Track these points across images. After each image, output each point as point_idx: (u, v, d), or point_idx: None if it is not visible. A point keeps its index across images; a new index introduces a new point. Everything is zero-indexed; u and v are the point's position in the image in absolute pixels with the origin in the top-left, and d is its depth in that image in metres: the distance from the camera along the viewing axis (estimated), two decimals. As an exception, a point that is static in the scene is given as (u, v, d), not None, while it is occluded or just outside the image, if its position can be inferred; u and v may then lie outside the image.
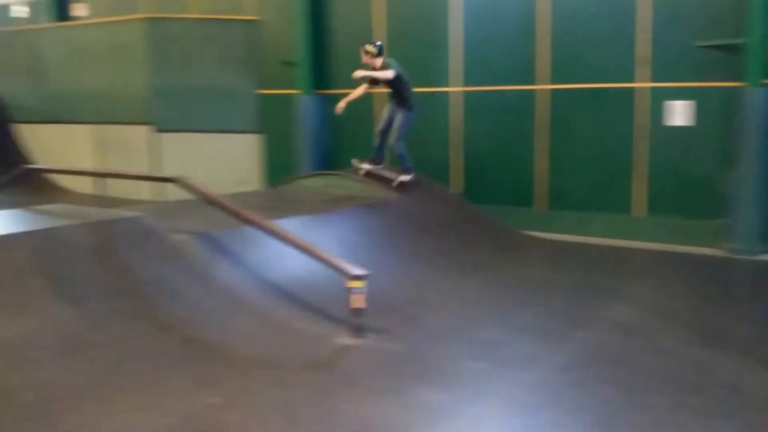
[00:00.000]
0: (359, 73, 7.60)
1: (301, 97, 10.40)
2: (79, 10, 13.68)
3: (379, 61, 7.78)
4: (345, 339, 4.74)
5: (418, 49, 9.66)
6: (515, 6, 8.95)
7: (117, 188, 8.22)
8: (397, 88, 7.79)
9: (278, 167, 10.75)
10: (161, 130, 11.02)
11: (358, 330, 4.78)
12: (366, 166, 8.24)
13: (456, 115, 9.51)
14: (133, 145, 11.25)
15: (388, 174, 8.16)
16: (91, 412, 3.46)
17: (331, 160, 10.42)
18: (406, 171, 8.09)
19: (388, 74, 7.59)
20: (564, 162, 8.82)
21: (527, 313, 5.48)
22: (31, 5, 14.47)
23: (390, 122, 8.00)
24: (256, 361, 4.32)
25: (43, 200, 9.37)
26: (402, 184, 8.05)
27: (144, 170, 10.71)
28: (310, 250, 5.02)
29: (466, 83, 9.39)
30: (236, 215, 5.38)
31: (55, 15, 13.82)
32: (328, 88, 10.39)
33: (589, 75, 8.54)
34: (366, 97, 9.54)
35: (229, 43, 10.96)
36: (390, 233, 7.12)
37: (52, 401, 3.48)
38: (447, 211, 8.29)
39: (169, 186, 6.25)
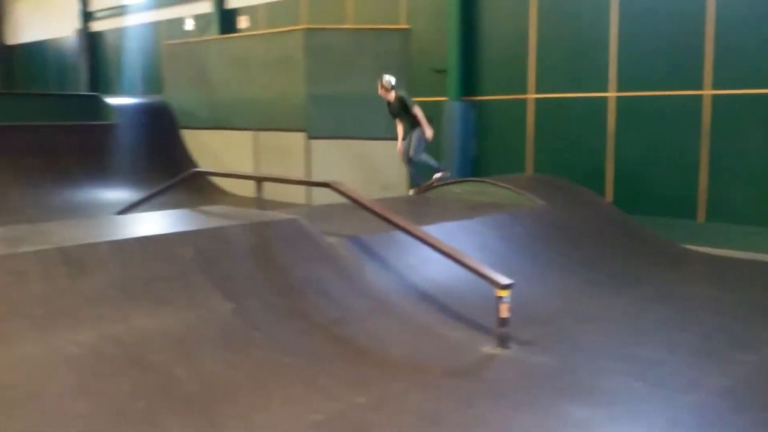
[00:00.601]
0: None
1: (448, 103, 10.43)
2: (243, 23, 14.52)
3: (392, 95, 9.04)
4: (490, 348, 4.68)
5: (570, 53, 9.41)
6: (676, 5, 8.49)
7: (273, 191, 8.63)
8: (413, 114, 8.91)
9: (424, 174, 10.83)
10: (312, 137, 11.44)
11: (504, 340, 4.70)
12: (412, 192, 9.04)
13: (610, 121, 9.16)
14: (289, 151, 11.76)
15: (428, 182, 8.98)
16: (248, 405, 3.63)
17: (477, 166, 10.38)
18: (437, 171, 8.98)
19: (418, 111, 8.87)
20: (728, 172, 8.26)
21: (686, 331, 5.16)
22: (199, 18, 15.52)
23: (414, 147, 9.06)
24: (401, 364, 4.36)
25: (207, 201, 10.04)
26: (440, 179, 8.94)
27: (299, 175, 11.17)
28: (457, 257, 5.01)
29: (620, 88, 9.04)
30: (386, 220, 5.46)
31: (220, 27, 14.75)
32: (477, 95, 10.36)
33: (760, 79, 7.94)
34: (518, 105, 9.47)
35: (382, 52, 11.20)
36: (537, 242, 6.97)
37: (212, 392, 3.68)
38: (598, 220, 8.00)
39: (321, 190, 6.47)
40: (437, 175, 8.88)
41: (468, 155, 10.41)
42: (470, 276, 5.04)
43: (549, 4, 9.63)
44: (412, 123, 8.95)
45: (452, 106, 10.34)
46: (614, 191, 9.19)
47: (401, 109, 9.03)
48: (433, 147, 10.69)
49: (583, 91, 9.24)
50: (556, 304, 5.80)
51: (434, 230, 5.80)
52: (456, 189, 8.44)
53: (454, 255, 5.04)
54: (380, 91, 9.12)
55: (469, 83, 10.38)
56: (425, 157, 9.02)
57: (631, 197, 8.95)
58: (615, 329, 5.28)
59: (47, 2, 21.09)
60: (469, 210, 7.32)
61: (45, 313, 3.77)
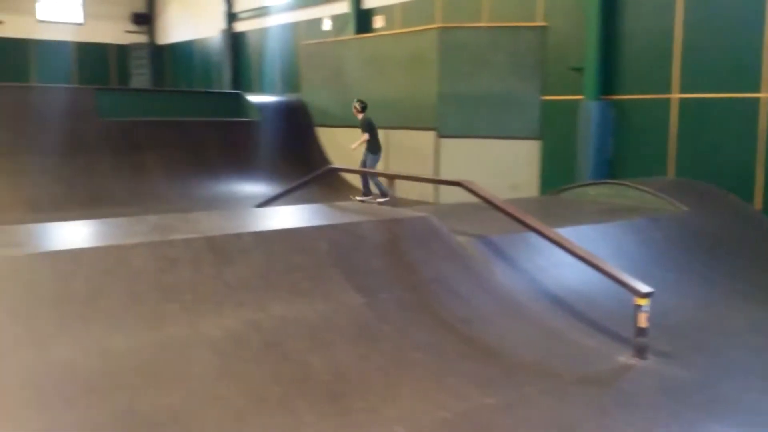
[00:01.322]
0: (355, 145, 10.77)
1: (585, 102, 10.13)
2: (378, 22, 14.74)
3: (361, 115, 10.77)
4: (626, 358, 4.51)
5: (719, 50, 8.86)
6: None
7: (402, 189, 8.72)
8: (372, 138, 10.65)
9: (556, 174, 10.58)
10: (442, 136, 11.45)
11: (641, 350, 4.51)
12: (359, 199, 9.71)
13: (761, 123, 8.56)
14: (418, 150, 11.84)
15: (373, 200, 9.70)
16: (378, 397, 3.69)
17: (614, 168, 10.00)
18: (383, 195, 9.93)
19: (364, 136, 10.61)
20: None
21: None
22: (337, 18, 15.91)
23: (364, 164, 10.66)
24: (531, 367, 4.29)
25: (339, 197, 10.30)
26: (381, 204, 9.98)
27: (427, 173, 11.22)
28: (593, 261, 4.85)
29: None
30: (518, 221, 5.38)
31: (356, 27, 15.02)
32: (615, 94, 9.98)
33: None
34: (661, 105, 9.10)
35: (517, 49, 11.03)
36: (677, 249, 6.64)
37: (344, 382, 3.77)
38: (745, 228, 7.52)
39: (449, 188, 6.47)
40: (381, 200, 9.54)
41: (604, 156, 10.03)
42: (605, 282, 4.88)
43: (695, 3, 9.12)
44: (369, 145, 10.60)
45: (589, 106, 10.01)
46: (764, 198, 8.57)
47: (362, 128, 10.77)
48: (565, 147, 10.42)
49: (733, 92, 8.67)
50: (696, 315, 5.51)
51: (568, 233, 5.64)
52: (591, 191, 8.18)
53: (589, 259, 4.89)
54: (354, 110, 10.90)
55: (607, 82, 10.00)
56: (377, 180, 10.53)
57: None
58: (761, 344, 4.95)
59: (195, 4, 22.34)
60: (606, 213, 7.08)
61: (193, 298, 4.00)
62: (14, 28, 22.11)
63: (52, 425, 3.09)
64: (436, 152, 11.54)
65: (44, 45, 22.72)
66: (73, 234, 4.73)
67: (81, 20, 23.73)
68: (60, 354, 3.42)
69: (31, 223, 5.11)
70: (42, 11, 23.06)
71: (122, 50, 24.36)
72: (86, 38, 23.58)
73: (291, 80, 17.37)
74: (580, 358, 4.50)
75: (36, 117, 12.02)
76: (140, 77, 24.20)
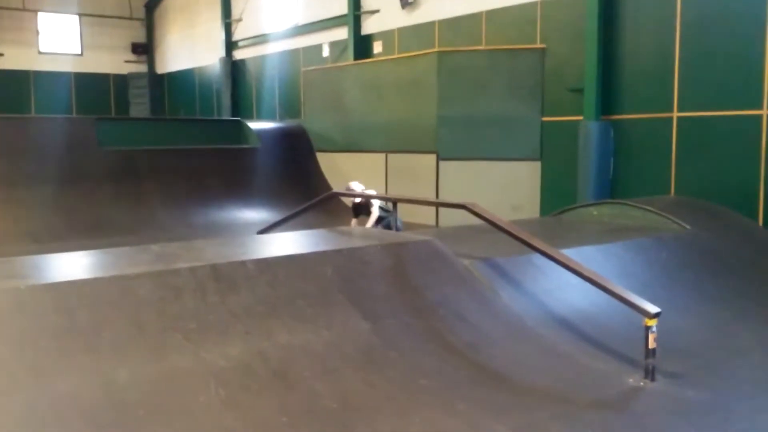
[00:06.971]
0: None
1: (585, 123, 10.15)
2: (377, 48, 14.83)
3: None
4: (635, 380, 4.45)
5: (719, 69, 8.90)
6: None
7: (403, 212, 8.69)
8: None
9: (557, 195, 10.57)
10: (443, 159, 11.46)
11: (650, 372, 4.45)
12: None
13: (764, 140, 8.56)
14: (418, 173, 11.84)
15: None
16: (387, 426, 3.63)
17: (616, 188, 9.99)
18: None
19: None
20: None
21: None
22: (336, 45, 16.00)
23: None
24: (541, 392, 4.23)
25: (341, 222, 10.26)
26: None
27: (429, 196, 11.21)
28: (600, 282, 4.81)
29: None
30: (524, 242, 5.35)
31: (355, 53, 15.09)
32: (616, 114, 10.01)
33: None
34: (662, 124, 9.11)
35: (516, 72, 11.09)
36: (683, 269, 6.59)
37: (352, 410, 3.72)
38: (750, 246, 7.47)
39: (451, 211, 6.45)
40: None
41: (605, 176, 10.03)
42: (612, 303, 4.84)
43: (696, 18, 9.15)
44: None
45: (589, 126, 10.03)
46: (766, 215, 8.56)
47: None
48: (566, 168, 10.43)
49: (734, 109, 8.69)
50: (704, 335, 5.45)
51: (572, 254, 5.59)
52: (594, 211, 8.16)
53: (596, 280, 4.84)
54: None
55: (607, 102, 10.04)
56: None
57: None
58: (774, 365, 4.89)
59: (194, 34, 22.50)
60: (609, 233, 7.04)
61: (197, 327, 3.95)
62: (15, 61, 22.29)
63: (56, 460, 3.03)
64: (437, 175, 11.55)
65: (43, 76, 22.87)
66: (75, 265, 4.69)
67: (79, 51, 23.90)
68: (63, 386, 3.37)
69: (33, 255, 5.07)
70: (44, 43, 23.25)
71: (121, 80, 24.50)
72: (85, 69, 23.73)
73: (290, 106, 17.44)
74: (590, 381, 4.44)
75: (36, 147, 12.03)
76: (139, 106, 24.32)
